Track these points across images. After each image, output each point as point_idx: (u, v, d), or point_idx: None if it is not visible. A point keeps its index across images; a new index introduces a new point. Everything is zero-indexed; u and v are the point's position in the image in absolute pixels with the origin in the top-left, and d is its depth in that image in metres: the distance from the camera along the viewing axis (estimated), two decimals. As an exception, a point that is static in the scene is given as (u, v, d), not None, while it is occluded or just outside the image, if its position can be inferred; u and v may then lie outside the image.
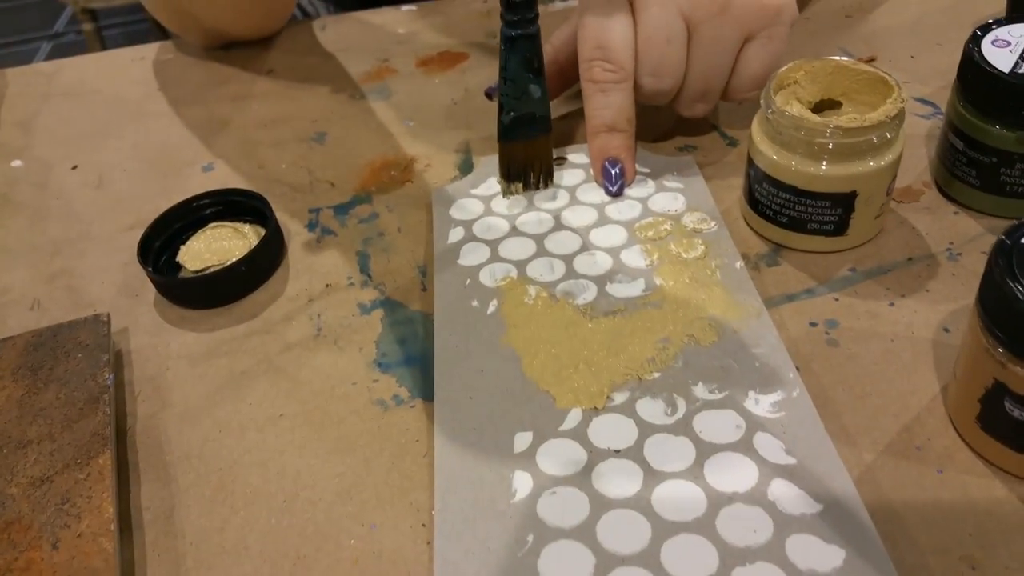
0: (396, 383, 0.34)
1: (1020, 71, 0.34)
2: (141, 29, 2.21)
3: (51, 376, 0.34)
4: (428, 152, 0.47)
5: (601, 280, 0.37)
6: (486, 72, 0.54)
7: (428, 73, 0.55)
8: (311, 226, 0.43)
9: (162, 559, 0.29)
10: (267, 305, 0.39)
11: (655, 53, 0.39)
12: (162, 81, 0.58)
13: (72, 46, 2.26)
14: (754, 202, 0.38)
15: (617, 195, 0.41)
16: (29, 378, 0.34)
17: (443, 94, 0.52)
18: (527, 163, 0.41)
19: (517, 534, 0.28)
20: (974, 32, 0.37)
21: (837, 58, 0.38)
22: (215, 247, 0.40)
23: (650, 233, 0.39)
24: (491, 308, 0.36)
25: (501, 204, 0.41)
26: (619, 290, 0.36)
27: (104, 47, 1.85)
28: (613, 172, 0.41)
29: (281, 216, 0.43)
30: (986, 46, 0.36)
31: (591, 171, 0.43)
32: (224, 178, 0.47)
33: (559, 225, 0.40)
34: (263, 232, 0.41)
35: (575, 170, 0.43)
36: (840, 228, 0.36)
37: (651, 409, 0.31)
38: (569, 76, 0.45)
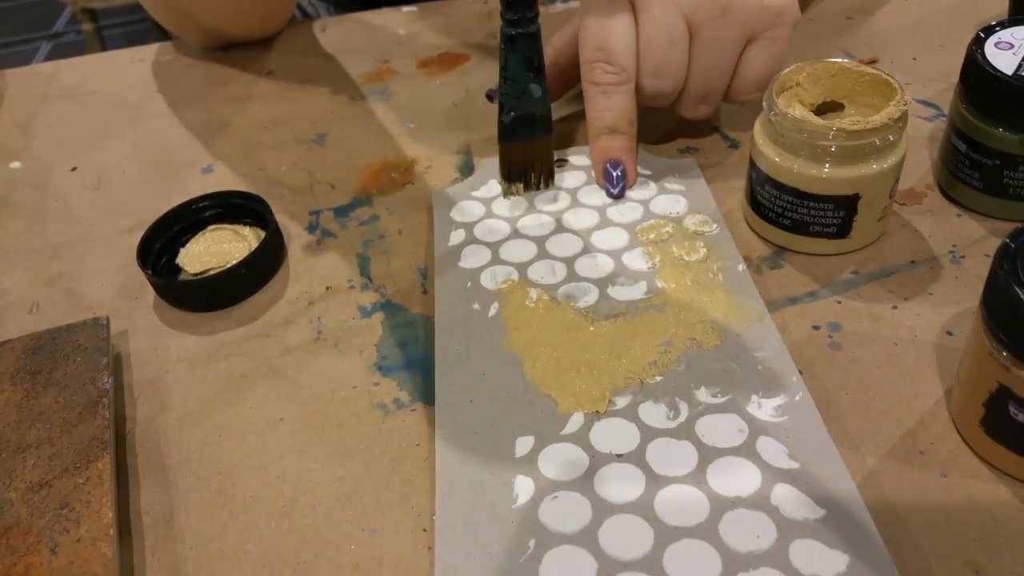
0: (397, 387, 0.34)
1: (1023, 73, 0.34)
2: (141, 29, 2.21)
3: (50, 380, 0.34)
4: (429, 154, 0.47)
5: (603, 283, 0.36)
6: (487, 73, 0.54)
7: (429, 74, 0.55)
8: (311, 228, 0.43)
9: (161, 564, 0.29)
10: (267, 308, 0.39)
11: (657, 55, 0.39)
12: (161, 82, 0.58)
13: (72, 46, 2.26)
14: (756, 204, 0.38)
15: (618, 197, 0.41)
16: (28, 382, 0.34)
17: (444, 95, 0.52)
18: (528, 164, 0.41)
19: (518, 539, 0.27)
20: (977, 34, 0.36)
21: (839, 60, 0.37)
22: (215, 249, 0.40)
23: (652, 235, 0.39)
24: (492, 311, 0.36)
25: (502, 206, 0.41)
26: (621, 293, 0.36)
27: (104, 47, 1.85)
28: (614, 174, 0.41)
29: (281, 218, 0.43)
30: (989, 48, 0.36)
31: (592, 173, 0.42)
32: (224, 180, 0.47)
33: (560, 227, 0.40)
34: (263, 234, 0.41)
35: (576, 172, 0.43)
36: (843, 231, 0.36)
37: (653, 413, 0.31)
38: (570, 78, 0.45)
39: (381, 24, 0.61)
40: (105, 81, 0.59)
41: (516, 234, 0.40)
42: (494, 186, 0.43)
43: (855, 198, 0.35)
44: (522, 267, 0.38)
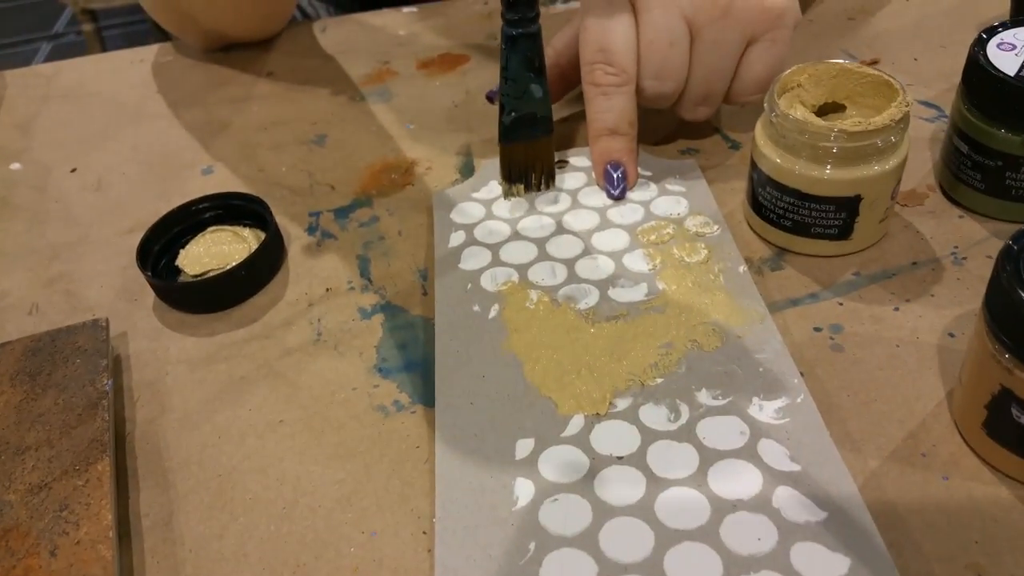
0: (397, 389, 0.34)
1: (1025, 74, 0.34)
2: (141, 30, 2.21)
3: (49, 381, 0.34)
4: (429, 155, 0.47)
5: (603, 284, 0.36)
6: (487, 74, 0.54)
7: (429, 75, 0.54)
8: (311, 230, 0.43)
9: (161, 566, 0.29)
10: (267, 310, 0.39)
11: (657, 56, 0.39)
12: (161, 83, 0.58)
13: (72, 47, 2.26)
14: (757, 206, 0.38)
15: (619, 198, 0.41)
16: (27, 383, 0.34)
17: (444, 96, 0.52)
18: (528, 164, 0.41)
19: (519, 542, 0.27)
20: (979, 35, 0.36)
21: (841, 61, 0.37)
22: (215, 251, 0.40)
23: (652, 237, 0.39)
24: (492, 313, 0.36)
25: (502, 208, 0.41)
26: (621, 295, 0.36)
27: (104, 48, 1.85)
28: (615, 175, 0.41)
29: (281, 220, 0.43)
30: (991, 49, 0.35)
31: (593, 174, 0.42)
32: (224, 181, 0.47)
33: (561, 229, 0.40)
34: (263, 236, 0.40)
35: (577, 173, 0.43)
36: (844, 232, 0.36)
37: (654, 415, 0.31)
38: (571, 79, 0.45)
39: (381, 25, 0.61)
40: (105, 82, 0.59)
41: (516, 235, 0.40)
42: (494, 187, 0.42)
43: (856, 199, 0.35)
44: (522, 269, 0.38)
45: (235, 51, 0.60)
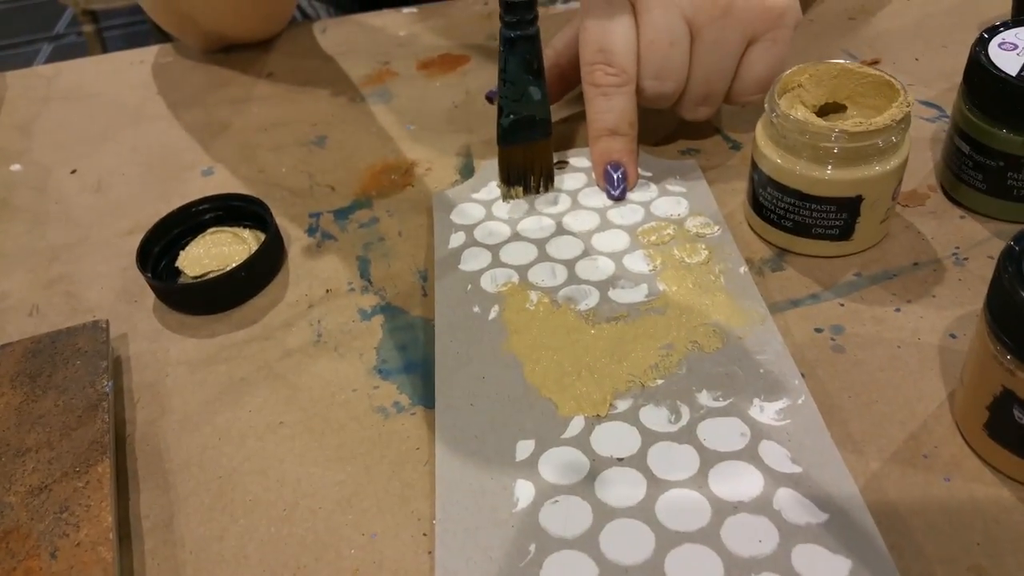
0: (397, 390, 0.34)
1: (1027, 74, 0.34)
2: (142, 31, 2.21)
3: (49, 383, 0.34)
4: (429, 156, 0.47)
5: (603, 285, 0.36)
6: (487, 75, 0.54)
7: (429, 76, 0.54)
8: (311, 231, 0.43)
9: (161, 568, 0.29)
10: (267, 311, 0.39)
11: (658, 56, 0.39)
12: (161, 84, 0.58)
13: (73, 48, 2.26)
14: (758, 206, 0.38)
15: (619, 199, 0.41)
16: (27, 385, 0.34)
17: (444, 97, 0.52)
18: (527, 167, 0.41)
19: (519, 544, 0.27)
20: (981, 35, 0.36)
21: (841, 61, 0.37)
22: (215, 252, 0.40)
23: (653, 238, 0.38)
24: (492, 314, 0.36)
25: (502, 209, 0.41)
26: (622, 296, 0.36)
27: (105, 49, 1.85)
28: (615, 176, 0.41)
29: (281, 221, 0.43)
30: (993, 49, 0.35)
31: (593, 175, 0.42)
32: (224, 182, 0.47)
33: (561, 230, 0.40)
34: (263, 237, 0.40)
35: (577, 174, 0.43)
36: (845, 233, 0.36)
37: (654, 417, 0.31)
38: (570, 79, 0.45)
39: (381, 26, 0.61)
40: (105, 83, 0.59)
41: (516, 236, 0.39)
42: (494, 188, 0.42)
43: (858, 200, 0.35)
44: (522, 269, 0.38)
45: (235, 52, 0.60)
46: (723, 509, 0.27)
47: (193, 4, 0.54)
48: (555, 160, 0.42)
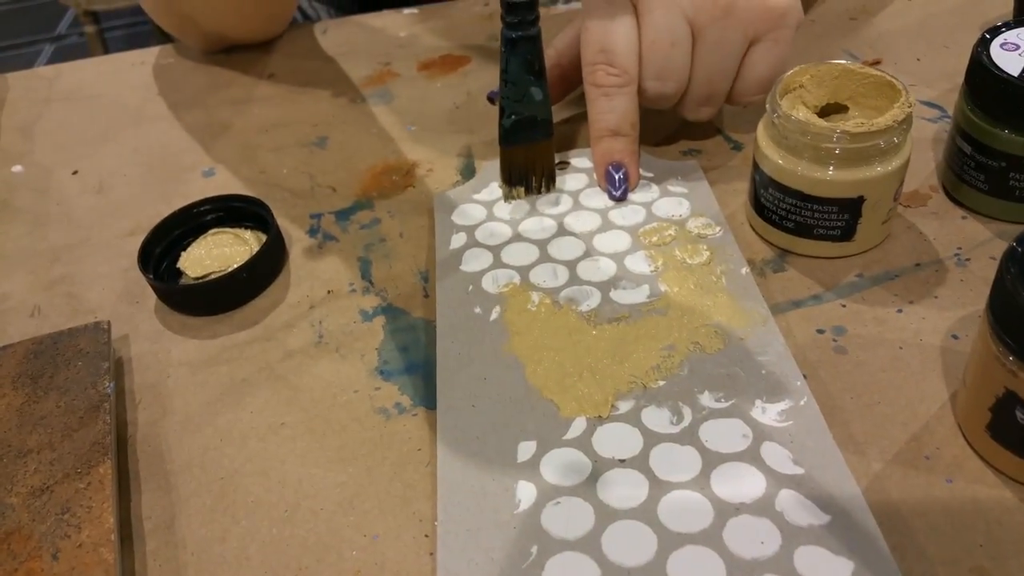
0: (398, 391, 0.34)
1: (1028, 74, 0.34)
2: (143, 31, 2.21)
3: (51, 384, 0.34)
4: (430, 157, 0.47)
5: (605, 286, 0.36)
6: (488, 75, 0.54)
7: (430, 77, 0.54)
8: (312, 232, 0.43)
9: (163, 569, 0.29)
10: (268, 312, 0.39)
11: (659, 57, 0.39)
12: (162, 85, 0.58)
13: (74, 48, 2.26)
14: (760, 207, 0.38)
15: (621, 200, 0.41)
16: (29, 386, 0.34)
17: (445, 98, 0.52)
18: (528, 168, 0.41)
19: (520, 545, 0.27)
20: (982, 35, 0.36)
21: (843, 62, 0.37)
22: (216, 253, 0.40)
23: (654, 239, 0.38)
24: (494, 315, 0.36)
25: (503, 209, 0.41)
26: (623, 296, 0.36)
27: (106, 50, 1.85)
28: (617, 177, 0.41)
29: (282, 222, 0.43)
30: (995, 49, 0.35)
31: (594, 175, 0.42)
32: (225, 183, 0.47)
33: (562, 230, 0.40)
34: (264, 238, 0.40)
35: (578, 175, 0.43)
36: (847, 233, 0.36)
37: (656, 418, 0.31)
38: (572, 80, 0.45)
39: (382, 26, 0.61)
40: (106, 84, 0.59)
41: (518, 237, 0.39)
42: (495, 189, 0.42)
43: (859, 200, 0.35)
44: (524, 270, 0.38)
45: (236, 53, 0.60)
46: (725, 510, 0.27)
47: (194, 5, 0.54)
48: (556, 161, 0.42)
